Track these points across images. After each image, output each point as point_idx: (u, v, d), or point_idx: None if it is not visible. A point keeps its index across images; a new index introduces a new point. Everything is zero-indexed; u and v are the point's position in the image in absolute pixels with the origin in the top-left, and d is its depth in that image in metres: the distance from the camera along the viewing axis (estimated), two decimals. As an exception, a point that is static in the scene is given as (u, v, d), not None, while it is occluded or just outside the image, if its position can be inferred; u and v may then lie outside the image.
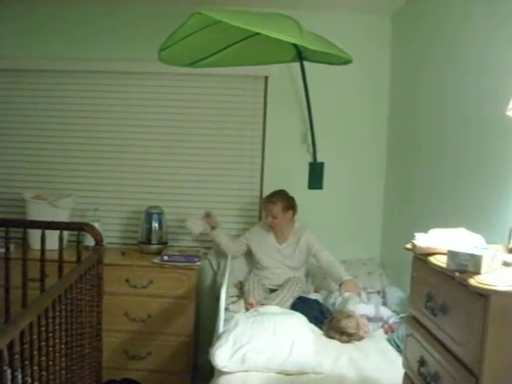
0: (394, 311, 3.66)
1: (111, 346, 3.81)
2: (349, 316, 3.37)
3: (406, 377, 2.15)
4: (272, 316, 3.28)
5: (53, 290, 2.31)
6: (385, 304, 3.80)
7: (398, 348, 3.15)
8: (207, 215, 4.10)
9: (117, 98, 4.48)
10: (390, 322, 3.52)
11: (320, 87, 4.22)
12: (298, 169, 4.46)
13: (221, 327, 3.23)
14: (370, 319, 3.53)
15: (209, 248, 4.45)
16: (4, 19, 4.37)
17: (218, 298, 3.49)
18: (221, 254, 4.35)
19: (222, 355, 2.84)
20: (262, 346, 2.90)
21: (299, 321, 3.30)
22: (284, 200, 4.04)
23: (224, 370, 2.80)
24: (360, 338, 3.32)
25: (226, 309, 3.59)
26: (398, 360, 2.82)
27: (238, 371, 2.80)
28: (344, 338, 3.28)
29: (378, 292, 4.00)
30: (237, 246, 4.19)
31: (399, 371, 2.25)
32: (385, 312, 3.61)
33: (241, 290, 3.95)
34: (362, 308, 3.58)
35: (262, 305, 3.66)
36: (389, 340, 3.31)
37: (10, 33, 4.39)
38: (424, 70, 3.65)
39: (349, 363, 2.97)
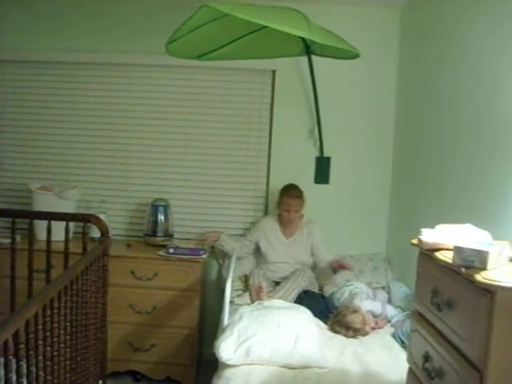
0: (398, 306, 3.66)
1: (116, 338, 3.82)
2: (355, 311, 3.37)
3: (411, 372, 2.15)
4: (276, 309, 3.28)
5: (58, 281, 2.32)
6: (389, 300, 3.79)
7: (402, 343, 3.15)
8: (205, 239, 4.24)
9: (124, 90, 4.48)
10: (393, 321, 3.51)
11: (327, 81, 4.22)
12: (304, 163, 4.45)
13: (225, 320, 3.23)
14: (375, 316, 3.53)
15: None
16: (12, 10, 4.37)
17: (223, 291, 3.50)
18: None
19: (227, 348, 2.84)
20: (266, 339, 2.90)
21: (304, 315, 3.30)
22: (303, 194, 4.12)
23: (228, 362, 2.80)
24: (365, 334, 3.32)
25: (231, 302, 3.59)
26: (402, 355, 2.83)
27: (243, 364, 2.81)
28: (350, 333, 3.29)
29: (383, 287, 4.00)
30: (244, 249, 4.22)
31: (403, 366, 2.25)
32: (389, 311, 3.60)
33: (246, 283, 3.95)
34: (369, 304, 3.58)
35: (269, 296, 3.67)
36: (393, 335, 3.31)
37: (18, 24, 4.39)
38: (433, 65, 3.64)
39: (353, 358, 2.98)
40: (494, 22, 2.77)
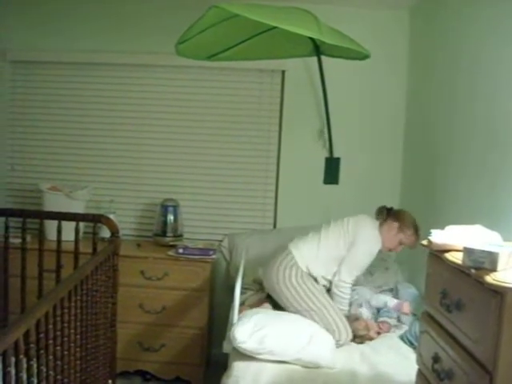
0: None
1: (125, 338, 3.82)
2: (356, 319, 3.34)
3: (420, 373, 2.15)
4: (289, 313, 3.28)
5: (69, 281, 2.33)
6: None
7: (411, 345, 3.14)
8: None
9: (133, 90, 4.49)
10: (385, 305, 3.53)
11: (337, 82, 4.21)
12: (314, 164, 4.44)
13: (234, 320, 3.23)
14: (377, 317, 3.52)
15: (220, 241, 4.47)
16: (22, 10, 4.40)
17: (231, 290, 3.50)
18: (233, 244, 4.39)
19: (243, 332, 2.86)
20: (281, 332, 2.93)
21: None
22: None
23: (242, 346, 2.82)
24: (370, 339, 3.30)
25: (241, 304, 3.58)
26: (410, 355, 2.84)
27: (255, 352, 2.83)
28: (355, 340, 3.26)
29: (391, 290, 3.95)
30: None
31: (412, 366, 2.25)
32: (378, 301, 3.59)
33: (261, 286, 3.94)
34: (365, 312, 3.53)
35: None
36: (401, 337, 3.29)
37: (29, 25, 4.41)
38: (443, 65, 3.63)
39: (361, 359, 2.99)
40: (503, 22, 2.76)
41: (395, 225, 3.46)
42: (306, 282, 3.26)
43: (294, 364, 2.88)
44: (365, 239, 3.40)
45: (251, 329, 2.90)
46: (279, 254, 3.42)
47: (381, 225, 3.49)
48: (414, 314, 3.49)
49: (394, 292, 3.88)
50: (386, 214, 3.53)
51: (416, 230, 3.47)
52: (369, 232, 3.43)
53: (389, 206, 3.60)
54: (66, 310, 2.25)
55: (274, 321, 3.05)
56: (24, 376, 1.82)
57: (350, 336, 3.18)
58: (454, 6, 3.47)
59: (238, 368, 2.81)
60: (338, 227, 3.46)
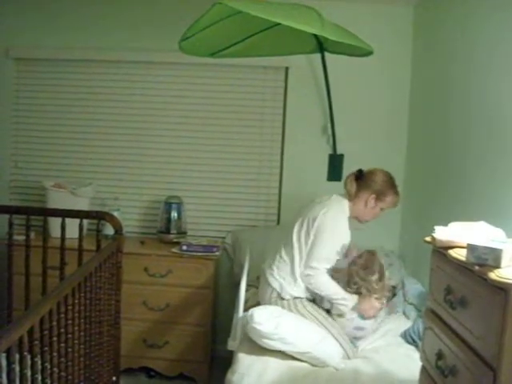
0: (411, 304, 3.62)
1: (129, 335, 3.83)
2: (381, 279, 3.14)
3: (424, 370, 2.15)
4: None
5: (73, 278, 2.33)
6: (403, 296, 3.74)
7: (413, 342, 3.13)
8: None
9: (137, 87, 4.49)
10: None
11: (341, 78, 4.20)
12: (317, 160, 4.44)
13: (239, 317, 3.24)
14: None
15: (223, 238, 4.48)
16: (26, 7, 4.40)
17: (235, 287, 3.50)
18: (237, 240, 4.39)
19: (261, 314, 2.91)
20: (296, 324, 2.97)
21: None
22: None
23: (258, 327, 2.84)
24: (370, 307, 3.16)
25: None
26: (413, 353, 2.85)
27: (268, 337, 2.85)
28: (359, 286, 3.12)
29: (394, 287, 3.92)
30: None
31: (414, 364, 2.26)
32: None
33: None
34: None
35: None
36: (404, 334, 3.28)
37: (33, 22, 4.41)
38: (447, 62, 3.62)
39: (363, 357, 3.01)
40: (507, 18, 2.75)
41: (372, 197, 3.22)
42: (298, 307, 3.20)
43: (301, 360, 2.89)
44: (328, 236, 3.17)
45: (269, 314, 2.94)
46: (264, 288, 3.31)
47: (353, 200, 3.26)
48: (419, 310, 3.49)
49: (401, 286, 3.86)
50: (355, 185, 3.25)
51: (394, 189, 3.25)
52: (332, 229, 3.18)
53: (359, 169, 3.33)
54: (69, 307, 2.25)
55: (289, 314, 3.08)
56: (28, 373, 1.82)
57: (351, 355, 3.06)
58: (458, 3, 3.46)
59: (243, 365, 2.82)
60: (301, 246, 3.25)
